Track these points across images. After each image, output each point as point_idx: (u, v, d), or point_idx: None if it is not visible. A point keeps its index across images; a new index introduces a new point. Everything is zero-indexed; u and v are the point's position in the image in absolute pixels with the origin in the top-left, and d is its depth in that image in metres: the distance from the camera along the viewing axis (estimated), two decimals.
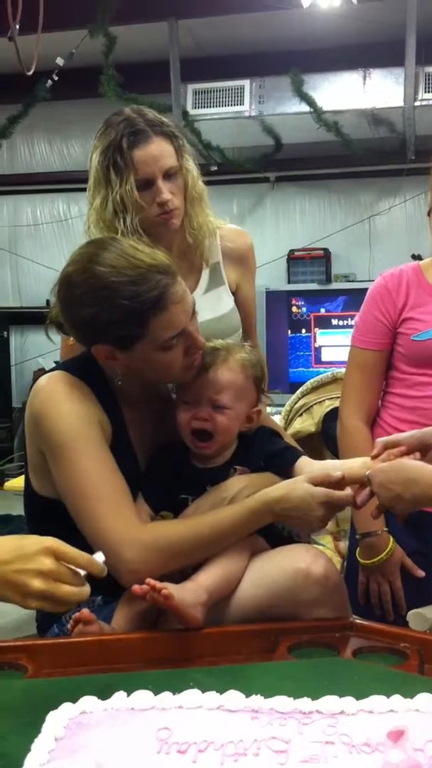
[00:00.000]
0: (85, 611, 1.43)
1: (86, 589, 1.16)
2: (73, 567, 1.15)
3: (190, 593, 1.39)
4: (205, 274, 1.99)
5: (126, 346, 1.51)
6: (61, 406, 1.51)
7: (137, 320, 1.48)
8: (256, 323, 2.16)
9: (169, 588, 1.36)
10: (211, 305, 1.95)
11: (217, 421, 1.58)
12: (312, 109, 5.52)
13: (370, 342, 2.01)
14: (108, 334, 1.50)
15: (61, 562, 1.14)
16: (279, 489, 1.49)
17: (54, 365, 1.84)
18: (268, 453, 1.64)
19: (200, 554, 1.47)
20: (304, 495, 1.46)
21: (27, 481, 1.64)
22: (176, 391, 1.64)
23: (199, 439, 1.59)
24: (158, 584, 1.35)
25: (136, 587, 1.38)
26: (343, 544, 3.22)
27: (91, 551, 1.23)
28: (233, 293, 2.04)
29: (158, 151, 1.82)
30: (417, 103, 5.48)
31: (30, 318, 6.61)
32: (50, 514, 1.55)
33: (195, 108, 5.72)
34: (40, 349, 6.34)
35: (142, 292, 1.47)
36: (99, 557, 1.20)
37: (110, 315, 1.48)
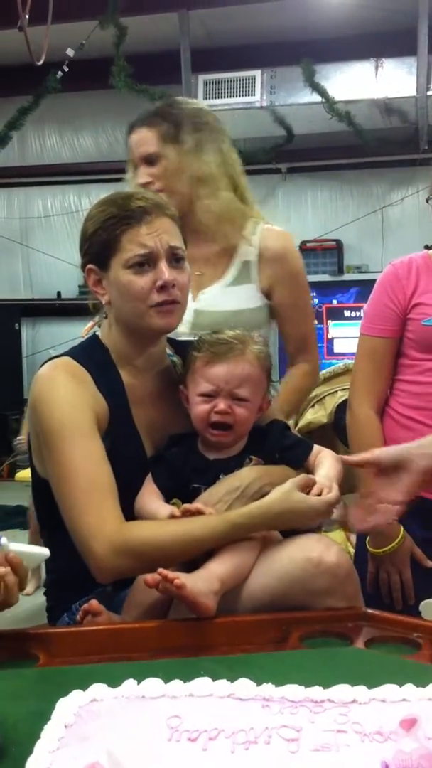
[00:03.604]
0: (94, 602, 1.43)
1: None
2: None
3: (202, 582, 1.39)
4: (234, 269, 2.01)
5: (103, 263, 1.59)
6: (55, 394, 1.54)
7: (112, 229, 1.57)
8: (310, 336, 2.22)
9: (182, 577, 1.35)
10: (233, 299, 1.95)
11: (237, 413, 1.59)
12: (324, 99, 5.49)
13: (380, 329, 2.00)
14: (93, 247, 1.61)
15: None
16: (265, 500, 1.49)
17: None
18: (282, 446, 1.64)
19: (174, 561, 1.45)
20: (296, 504, 1.48)
21: (32, 464, 1.65)
22: (188, 384, 1.63)
23: (217, 429, 1.59)
24: (170, 574, 1.35)
25: (147, 577, 1.38)
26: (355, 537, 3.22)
27: None
28: (267, 295, 2.04)
29: (137, 138, 2.03)
30: (430, 93, 5.44)
31: (41, 310, 6.63)
32: (52, 497, 1.55)
33: (206, 99, 5.70)
34: (52, 340, 6.35)
35: (126, 206, 1.58)
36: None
37: (94, 225, 1.60)
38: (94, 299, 1.68)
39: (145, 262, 1.55)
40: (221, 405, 1.58)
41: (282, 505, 1.47)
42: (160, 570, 1.36)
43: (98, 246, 1.60)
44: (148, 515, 1.53)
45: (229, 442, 1.61)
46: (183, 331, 1.82)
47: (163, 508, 1.53)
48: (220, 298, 1.81)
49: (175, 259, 1.59)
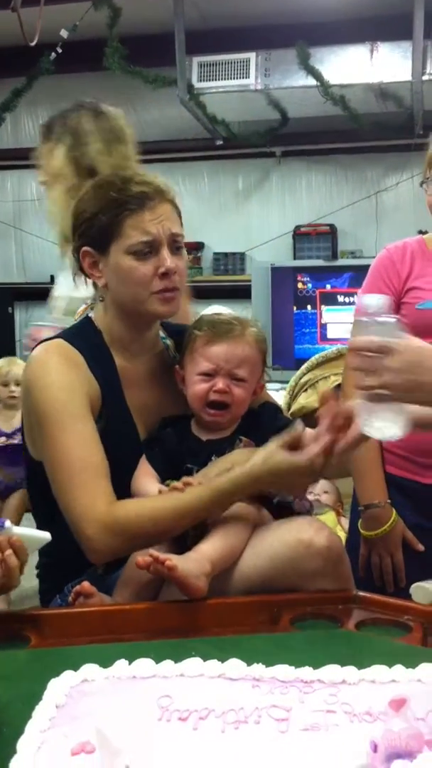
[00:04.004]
0: (86, 584, 1.44)
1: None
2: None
3: (193, 563, 1.39)
4: None
5: (103, 247, 1.57)
6: (48, 378, 1.54)
7: (114, 213, 1.56)
8: None
9: (173, 559, 1.36)
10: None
11: (235, 393, 1.60)
12: (319, 83, 5.46)
13: None
14: (91, 229, 1.59)
15: None
16: (248, 465, 1.46)
17: None
18: (275, 428, 1.64)
19: (166, 535, 1.47)
20: (283, 465, 1.44)
21: (24, 447, 1.65)
22: (185, 364, 1.64)
23: (213, 409, 1.60)
24: (161, 555, 1.36)
25: (139, 559, 1.38)
26: (346, 520, 3.23)
27: None
28: None
29: None
30: (425, 78, 5.40)
31: (34, 294, 6.56)
32: (45, 479, 1.55)
33: (200, 81, 5.66)
34: None
35: (126, 190, 1.57)
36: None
37: (93, 208, 1.59)
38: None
39: (147, 249, 1.55)
40: (220, 384, 1.59)
41: (264, 467, 1.45)
42: (151, 551, 1.37)
43: (97, 230, 1.58)
44: (142, 495, 1.54)
45: (224, 423, 1.62)
46: (57, 316, 1.86)
47: (153, 487, 1.54)
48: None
49: (175, 246, 1.59)
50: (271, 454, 1.46)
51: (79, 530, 1.47)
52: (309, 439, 1.45)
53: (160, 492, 1.50)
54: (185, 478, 1.50)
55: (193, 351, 1.62)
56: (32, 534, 1.35)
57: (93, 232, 1.59)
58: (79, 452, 1.49)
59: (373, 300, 1.29)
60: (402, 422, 1.28)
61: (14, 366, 4.10)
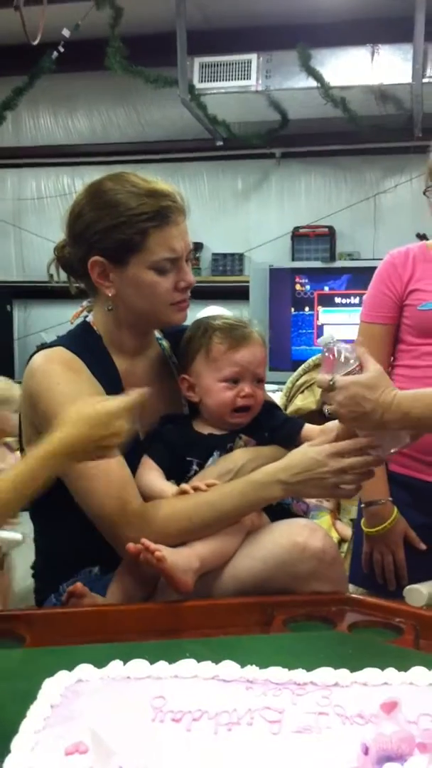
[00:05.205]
0: (79, 585, 1.44)
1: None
2: None
3: (182, 558, 1.40)
4: None
5: (121, 259, 1.54)
6: (56, 388, 1.52)
7: (138, 228, 1.52)
8: None
9: (163, 551, 1.37)
10: None
11: (258, 395, 1.63)
12: (319, 85, 5.46)
13: (378, 316, 2.06)
14: (107, 241, 1.54)
15: None
16: (283, 459, 1.49)
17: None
18: (272, 425, 1.66)
19: (198, 536, 1.46)
20: (311, 454, 1.45)
21: (22, 452, 1.64)
22: (200, 371, 1.64)
23: (239, 412, 1.62)
24: (152, 545, 1.36)
25: (130, 545, 1.39)
26: (341, 524, 3.25)
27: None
28: None
29: None
30: (425, 80, 5.41)
31: (33, 292, 6.59)
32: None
33: (201, 82, 5.66)
34: (44, 323, 6.33)
35: (147, 204, 1.53)
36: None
37: (113, 220, 1.53)
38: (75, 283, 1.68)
39: (170, 265, 1.55)
40: (247, 389, 1.61)
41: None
42: (143, 540, 1.37)
43: (117, 242, 1.54)
44: (152, 492, 1.53)
45: (245, 423, 1.64)
46: None
47: (160, 482, 1.54)
48: None
49: (190, 258, 1.60)
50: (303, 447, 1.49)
51: (113, 535, 1.46)
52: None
53: (183, 491, 1.50)
54: (208, 480, 1.50)
55: (214, 359, 1.62)
56: (3, 535, 1.35)
57: (110, 244, 1.54)
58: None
59: (325, 336, 1.44)
60: (397, 435, 1.42)
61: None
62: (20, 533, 1.36)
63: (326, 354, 1.42)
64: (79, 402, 1.38)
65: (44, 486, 1.32)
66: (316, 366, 3.03)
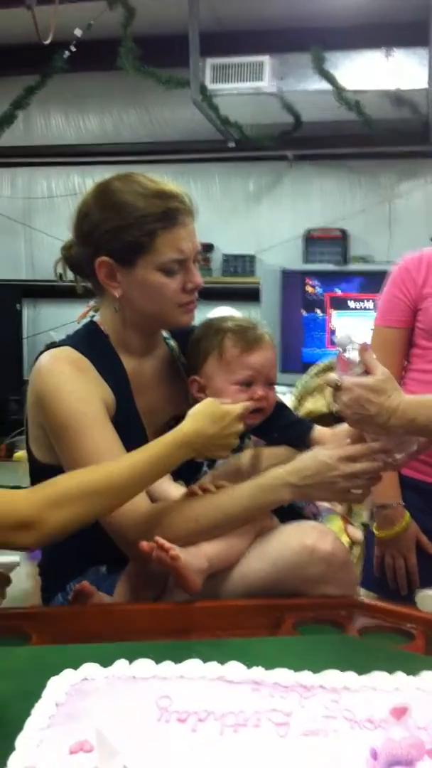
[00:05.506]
0: (86, 584, 1.43)
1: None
2: None
3: (194, 559, 1.39)
4: None
5: (128, 260, 1.53)
6: (63, 388, 1.50)
7: (146, 229, 1.51)
8: None
9: (176, 549, 1.36)
10: None
11: (270, 397, 1.64)
12: (333, 88, 5.45)
13: (391, 320, 2.07)
14: (115, 241, 1.52)
15: None
16: (293, 462, 1.47)
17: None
18: (281, 426, 1.65)
19: (206, 538, 1.45)
20: (322, 458, 1.44)
21: (28, 450, 1.63)
22: (211, 374, 1.63)
23: (253, 413, 1.60)
24: (166, 543, 1.36)
25: (143, 544, 1.38)
26: (352, 528, 3.23)
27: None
28: None
29: None
30: None
31: (43, 291, 6.59)
32: None
33: (213, 83, 5.65)
34: (53, 322, 6.33)
35: (155, 205, 1.52)
36: None
37: (121, 220, 1.52)
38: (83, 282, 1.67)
39: (178, 266, 1.54)
40: (260, 391, 1.61)
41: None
42: (157, 538, 1.36)
43: (124, 243, 1.52)
44: (160, 493, 1.53)
45: (256, 424, 1.63)
46: None
47: (175, 487, 1.53)
48: None
49: (198, 259, 1.59)
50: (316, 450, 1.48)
51: (120, 537, 1.45)
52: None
53: (192, 492, 1.49)
54: (217, 482, 1.49)
55: (227, 362, 1.61)
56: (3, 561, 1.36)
57: (118, 245, 1.53)
58: (107, 459, 1.46)
59: (340, 336, 1.44)
60: (405, 441, 1.43)
61: None
62: (17, 555, 1.36)
63: (341, 354, 1.43)
64: (206, 400, 1.46)
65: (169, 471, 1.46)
66: (327, 370, 3.02)
